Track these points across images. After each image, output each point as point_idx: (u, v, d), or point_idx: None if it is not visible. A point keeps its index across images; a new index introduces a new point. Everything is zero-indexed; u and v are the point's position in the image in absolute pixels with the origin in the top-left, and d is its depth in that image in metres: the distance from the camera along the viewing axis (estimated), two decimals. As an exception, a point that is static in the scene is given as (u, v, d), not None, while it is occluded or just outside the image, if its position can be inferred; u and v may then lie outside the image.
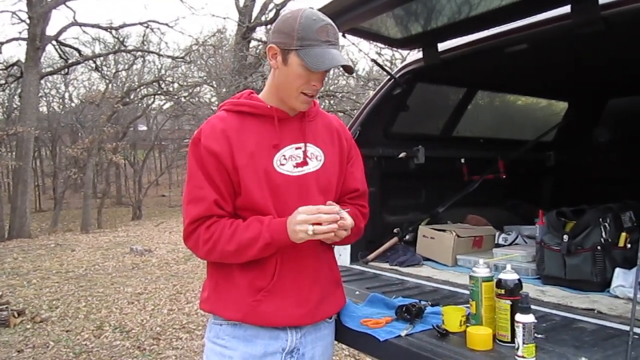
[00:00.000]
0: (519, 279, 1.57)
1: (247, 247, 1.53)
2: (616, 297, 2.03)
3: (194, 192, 1.58)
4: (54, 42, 17.10)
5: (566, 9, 2.09)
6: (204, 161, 1.57)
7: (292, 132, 1.65)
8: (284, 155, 1.62)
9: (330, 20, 1.56)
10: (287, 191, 1.60)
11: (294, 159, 1.63)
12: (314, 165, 1.66)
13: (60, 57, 18.60)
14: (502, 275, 1.58)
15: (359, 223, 1.74)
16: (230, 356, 1.63)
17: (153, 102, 23.08)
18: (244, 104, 1.65)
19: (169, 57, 18.99)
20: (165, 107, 23.37)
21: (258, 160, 1.58)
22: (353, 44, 2.70)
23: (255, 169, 1.57)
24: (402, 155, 3.07)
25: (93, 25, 17.93)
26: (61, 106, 26.89)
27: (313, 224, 1.47)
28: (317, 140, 1.69)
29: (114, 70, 21.40)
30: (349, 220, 1.55)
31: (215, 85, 17.40)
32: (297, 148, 1.64)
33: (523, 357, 1.42)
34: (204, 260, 1.68)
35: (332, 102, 15.96)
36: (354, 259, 2.86)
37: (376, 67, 15.26)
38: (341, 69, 1.59)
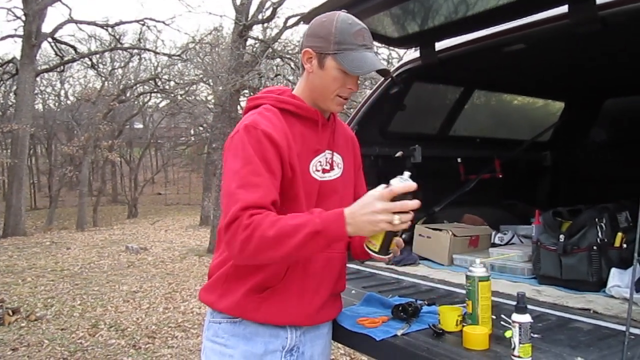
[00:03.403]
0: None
1: (291, 234, 1.34)
2: (612, 297, 2.03)
3: (251, 178, 1.43)
4: (49, 40, 17.02)
5: (563, 8, 2.09)
6: (263, 147, 1.47)
7: (326, 137, 1.66)
8: (320, 161, 1.63)
9: (364, 24, 1.57)
10: (311, 195, 1.60)
11: (322, 165, 1.65)
12: (335, 172, 1.68)
13: (56, 54, 18.52)
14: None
15: None
16: (231, 355, 1.62)
17: (149, 100, 23.03)
18: (290, 103, 1.61)
19: (165, 54, 18.95)
20: (161, 105, 23.34)
21: (301, 162, 1.57)
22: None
23: (301, 170, 1.57)
24: (398, 154, 3.07)
25: (89, 23, 17.85)
26: (57, 104, 26.83)
27: (397, 213, 1.33)
28: (339, 148, 1.71)
29: (110, 68, 21.29)
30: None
31: (211, 84, 17.35)
32: (324, 154, 1.66)
33: (519, 356, 1.42)
34: (236, 257, 1.45)
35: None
36: (349, 257, 2.86)
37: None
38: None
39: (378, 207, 1.33)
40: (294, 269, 1.59)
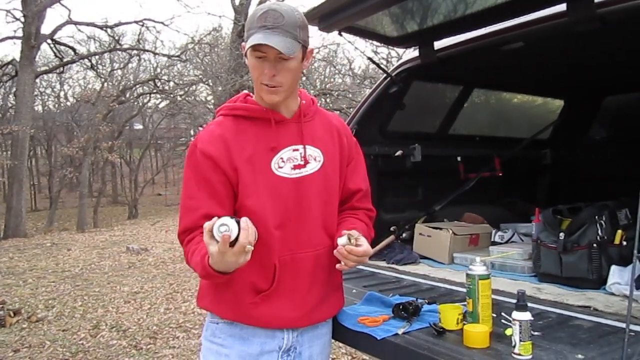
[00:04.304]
0: None
1: (195, 268, 1.51)
2: (612, 294, 2.03)
3: (185, 201, 1.61)
4: (49, 41, 17.05)
5: (562, 7, 2.09)
6: (200, 166, 1.56)
7: (290, 133, 1.63)
8: (282, 158, 1.60)
9: (276, 7, 1.51)
10: (285, 194, 1.59)
11: (292, 161, 1.61)
12: (312, 167, 1.64)
13: (56, 55, 18.55)
14: None
15: (370, 233, 1.74)
16: (227, 354, 1.63)
17: (149, 100, 23.05)
18: (240, 108, 1.63)
19: (164, 55, 18.97)
20: (161, 105, 23.37)
21: (256, 164, 1.57)
22: (349, 42, 2.68)
23: (253, 172, 1.56)
24: (398, 153, 3.07)
25: (88, 24, 17.89)
26: (56, 105, 26.87)
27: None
28: (315, 141, 1.67)
29: (109, 69, 21.30)
30: (364, 246, 1.55)
31: (211, 84, 17.39)
32: (294, 150, 1.62)
33: (520, 354, 1.43)
34: None
35: (328, 100, 15.99)
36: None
37: (372, 65, 15.32)
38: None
39: (235, 250, 1.35)
40: (283, 270, 1.59)
